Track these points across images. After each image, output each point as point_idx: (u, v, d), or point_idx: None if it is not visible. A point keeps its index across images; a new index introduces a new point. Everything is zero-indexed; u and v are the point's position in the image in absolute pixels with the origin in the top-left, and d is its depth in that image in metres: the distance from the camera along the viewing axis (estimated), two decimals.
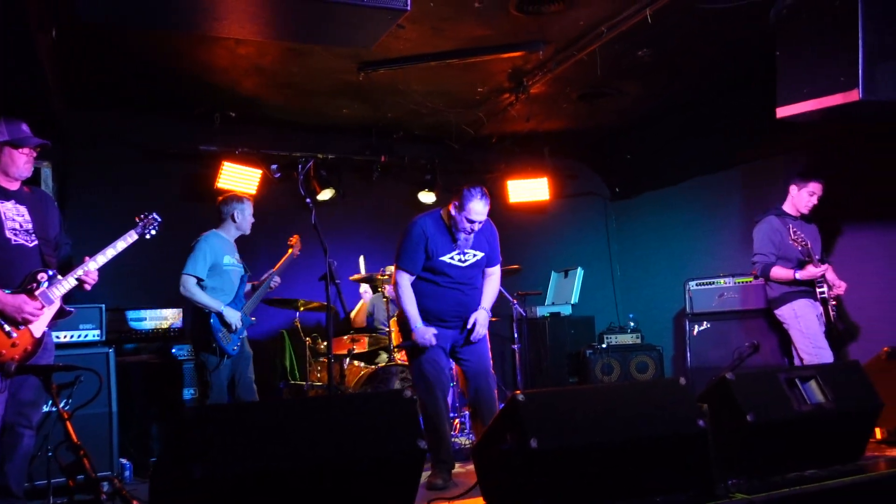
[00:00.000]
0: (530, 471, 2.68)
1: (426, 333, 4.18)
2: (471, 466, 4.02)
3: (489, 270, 4.50)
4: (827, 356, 4.87)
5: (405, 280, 4.27)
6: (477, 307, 4.35)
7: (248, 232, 5.12)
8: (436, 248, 4.25)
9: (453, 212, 4.21)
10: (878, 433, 3.59)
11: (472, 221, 4.16)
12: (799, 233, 5.04)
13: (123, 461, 4.86)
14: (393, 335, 5.60)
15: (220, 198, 5.14)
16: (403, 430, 2.59)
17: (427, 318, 4.24)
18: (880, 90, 3.83)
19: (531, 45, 5.23)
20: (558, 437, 2.70)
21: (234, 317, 4.72)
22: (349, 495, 2.49)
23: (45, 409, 3.77)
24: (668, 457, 2.89)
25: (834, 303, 5.13)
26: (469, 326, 4.29)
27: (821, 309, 5.09)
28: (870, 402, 3.35)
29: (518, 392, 2.76)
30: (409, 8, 3.06)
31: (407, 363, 5.47)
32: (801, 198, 5.31)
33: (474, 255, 4.33)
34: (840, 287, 5.20)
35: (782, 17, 4.33)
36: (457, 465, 4.27)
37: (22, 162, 3.54)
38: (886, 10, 3.89)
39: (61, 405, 4.37)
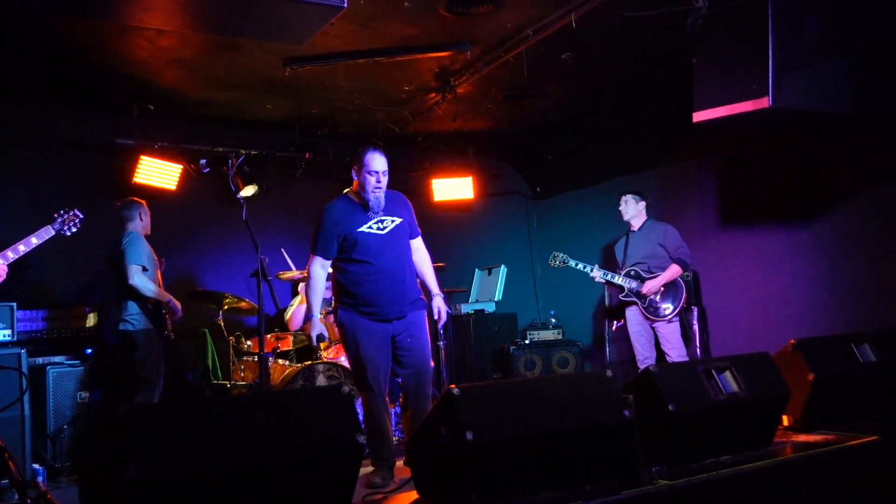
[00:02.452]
0: (465, 463, 2.73)
1: (315, 329, 4.11)
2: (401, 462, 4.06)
3: (415, 244, 4.35)
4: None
5: (316, 265, 4.15)
6: (415, 292, 4.21)
7: (149, 232, 5.37)
8: (351, 223, 4.09)
9: (356, 176, 4.12)
10: (785, 420, 3.81)
11: (374, 173, 4.05)
12: None
13: (36, 466, 4.65)
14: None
15: (118, 203, 5.34)
16: (341, 425, 2.59)
17: (362, 309, 4.06)
18: (788, 98, 4.06)
19: (459, 46, 5.30)
20: (493, 429, 2.75)
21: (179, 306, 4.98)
22: (288, 492, 2.48)
23: None
24: (597, 446, 2.99)
25: None
26: (435, 318, 4.26)
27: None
28: (778, 391, 3.57)
29: (453, 386, 2.80)
30: (345, 5, 3.06)
31: (333, 360, 5.47)
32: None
33: (392, 221, 4.17)
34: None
35: (699, 27, 4.52)
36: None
37: None
38: (794, 23, 4.13)
39: None
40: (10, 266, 3.55)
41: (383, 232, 4.13)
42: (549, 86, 6.25)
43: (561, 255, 6.11)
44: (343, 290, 4.14)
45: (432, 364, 4.35)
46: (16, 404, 4.35)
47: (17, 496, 3.73)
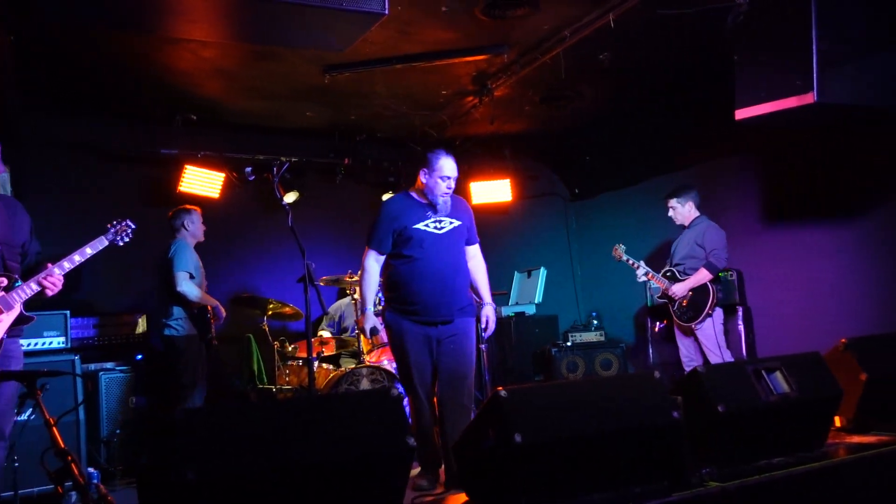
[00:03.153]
0: (514, 465, 2.74)
1: (368, 322, 4.08)
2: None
3: (471, 251, 4.31)
4: None
5: (371, 259, 4.13)
6: (465, 298, 4.16)
7: (201, 239, 5.54)
8: (408, 218, 4.06)
9: (424, 179, 4.09)
10: (837, 421, 3.74)
11: (446, 178, 4.05)
12: None
13: (91, 470, 4.78)
14: (363, 337, 5.61)
15: (170, 213, 5.52)
16: (391, 428, 2.62)
17: (407, 310, 4.02)
18: (834, 93, 4.00)
19: (496, 49, 5.31)
20: (541, 431, 2.75)
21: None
22: (339, 495, 2.52)
23: (24, 417, 3.68)
24: (645, 447, 2.97)
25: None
26: (483, 326, 4.23)
27: None
28: (830, 391, 3.50)
29: (500, 388, 2.81)
30: (386, 12, 3.09)
31: (376, 363, 5.51)
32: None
33: (451, 223, 4.13)
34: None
35: (739, 23, 4.47)
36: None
37: None
38: (839, 16, 4.06)
39: (26, 414, 4.32)
40: (64, 276, 3.62)
41: (439, 232, 4.09)
42: (587, 86, 6.23)
43: (621, 248, 5.99)
44: (392, 288, 4.12)
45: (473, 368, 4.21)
46: (73, 411, 4.47)
47: (74, 497, 3.85)
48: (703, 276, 5.57)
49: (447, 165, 4.07)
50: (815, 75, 3.99)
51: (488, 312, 4.27)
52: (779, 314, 6.14)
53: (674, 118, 6.77)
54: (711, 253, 5.61)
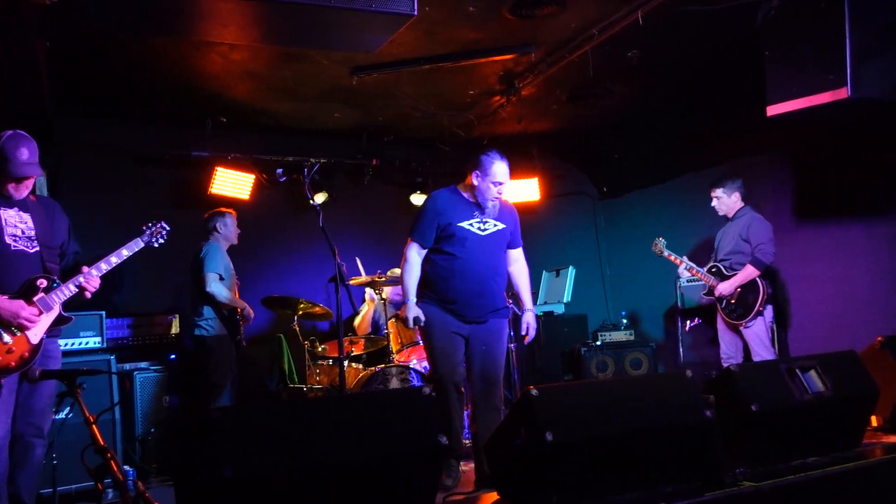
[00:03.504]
0: (545, 464, 2.74)
1: (411, 312, 4.00)
2: (472, 464, 4.06)
3: (514, 255, 4.31)
4: None
5: (413, 251, 4.07)
6: (500, 300, 4.15)
7: (234, 242, 5.60)
8: (453, 214, 4.02)
9: (476, 181, 4.03)
10: (873, 420, 3.69)
11: (498, 184, 4.00)
12: None
13: (127, 468, 4.86)
14: (392, 336, 5.64)
15: (205, 215, 5.59)
16: (423, 426, 2.63)
17: (444, 305, 4.01)
18: (869, 88, 3.94)
19: (523, 48, 5.31)
20: (572, 430, 2.76)
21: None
22: (371, 494, 2.54)
23: (62, 415, 3.77)
24: (677, 447, 2.96)
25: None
26: (523, 333, 4.19)
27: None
28: (867, 390, 3.46)
29: (531, 387, 2.81)
30: (415, 13, 3.11)
31: (405, 363, 5.53)
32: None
33: (495, 225, 4.10)
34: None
35: (770, 18, 4.43)
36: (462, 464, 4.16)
37: (11, 188, 3.50)
38: (872, 8, 4.00)
39: (64, 413, 4.42)
40: (101, 277, 3.70)
41: (483, 233, 4.07)
42: (615, 84, 6.19)
43: (661, 243, 5.88)
44: (427, 283, 4.09)
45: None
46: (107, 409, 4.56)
47: (112, 495, 3.93)
48: (749, 272, 5.37)
49: (501, 170, 4.02)
50: (848, 70, 3.94)
51: (529, 319, 4.23)
52: (812, 312, 6.06)
53: (703, 115, 6.71)
54: (757, 248, 5.40)
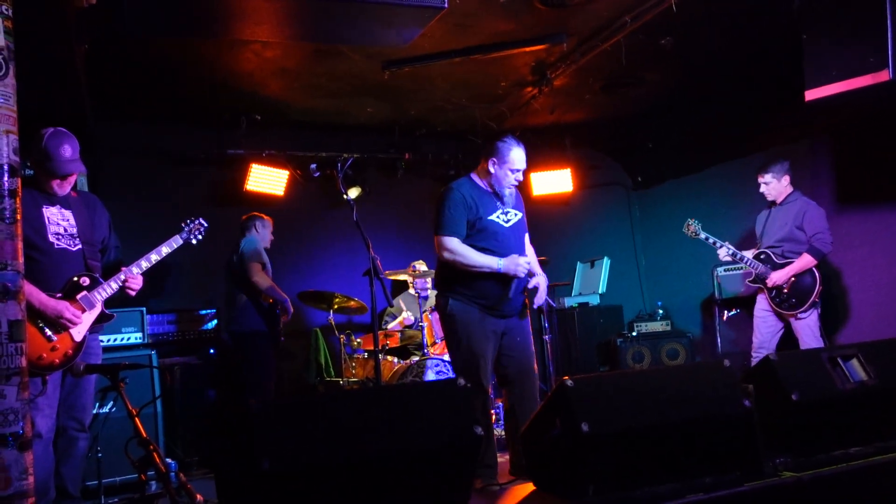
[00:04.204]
0: (581, 455, 2.73)
1: (511, 262, 3.79)
2: (507, 456, 4.06)
3: (525, 241, 4.22)
4: None
5: (456, 244, 3.85)
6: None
7: (267, 246, 5.68)
8: (481, 207, 3.89)
9: (493, 168, 3.94)
10: None
11: (516, 171, 3.91)
12: None
13: (169, 460, 4.95)
14: (426, 329, 5.66)
15: (244, 217, 5.72)
16: (460, 418, 2.64)
17: (478, 301, 3.88)
18: None
19: (555, 38, 5.26)
20: (608, 420, 2.74)
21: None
22: (408, 485, 2.55)
23: (105, 409, 3.86)
24: (716, 437, 2.92)
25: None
26: (531, 287, 3.99)
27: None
28: None
29: (566, 378, 2.80)
30: (446, 6, 3.11)
31: (440, 356, 5.55)
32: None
33: (515, 215, 4.02)
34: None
35: (807, 1, 4.34)
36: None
37: (55, 185, 3.54)
38: None
39: (107, 407, 4.53)
40: (143, 275, 3.77)
41: (507, 224, 4.00)
42: (648, 72, 6.12)
43: (694, 223, 5.66)
44: (458, 280, 3.92)
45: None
46: (151, 403, 4.66)
47: (155, 486, 4.01)
48: (806, 261, 5.22)
49: (519, 157, 3.94)
50: (889, 51, 3.84)
51: (540, 279, 4.07)
52: (855, 301, 5.95)
53: (739, 102, 6.59)
54: (815, 237, 5.25)
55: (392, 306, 6.60)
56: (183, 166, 6.60)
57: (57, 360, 3.39)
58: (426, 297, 6.50)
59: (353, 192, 6.98)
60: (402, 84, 5.95)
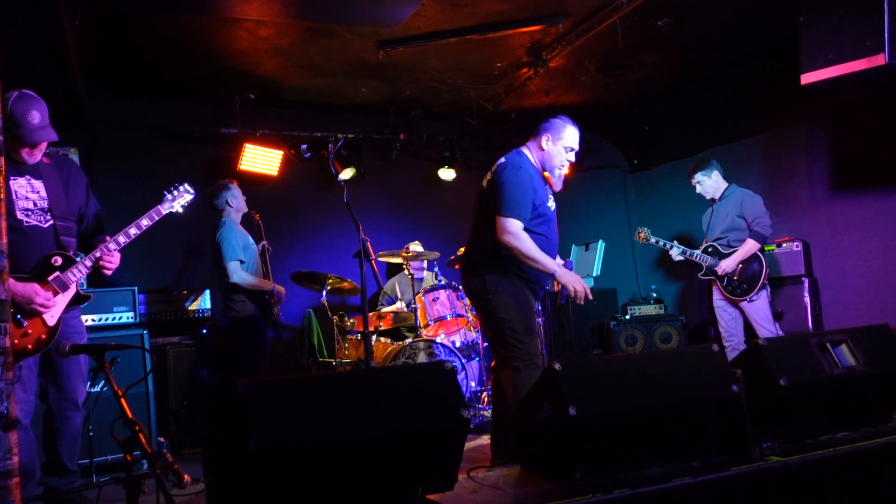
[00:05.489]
0: (569, 438, 2.74)
1: (566, 272, 3.67)
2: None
3: None
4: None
5: (520, 227, 3.63)
6: None
7: (245, 210, 5.43)
8: (542, 193, 3.74)
9: (546, 145, 3.79)
10: None
11: (571, 149, 3.79)
12: None
13: (160, 440, 4.97)
14: (419, 311, 5.66)
15: (209, 192, 5.34)
16: (447, 400, 2.64)
17: (530, 284, 3.76)
18: None
19: (550, 19, 5.23)
20: (596, 404, 2.75)
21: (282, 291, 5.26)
22: (396, 465, 2.56)
23: (97, 388, 3.84)
24: (704, 421, 2.94)
25: None
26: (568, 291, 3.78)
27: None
28: None
29: (555, 362, 2.80)
30: None
31: (432, 338, 5.54)
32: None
33: (554, 201, 3.89)
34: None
35: None
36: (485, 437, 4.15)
37: (24, 153, 3.32)
38: None
39: (99, 387, 4.51)
40: (127, 251, 3.60)
41: (552, 210, 3.89)
42: (645, 54, 6.08)
43: (645, 230, 5.88)
44: (511, 260, 3.70)
45: None
46: (140, 382, 4.64)
47: (146, 466, 4.01)
48: (751, 246, 5.47)
49: (573, 135, 3.82)
50: (886, 35, 3.82)
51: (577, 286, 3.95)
52: (848, 286, 5.95)
53: (736, 85, 6.56)
54: (754, 222, 5.51)
55: (382, 288, 6.60)
56: (177, 143, 6.56)
57: (30, 346, 3.23)
58: (421, 279, 6.50)
59: (348, 173, 6.95)
60: (397, 64, 5.90)
